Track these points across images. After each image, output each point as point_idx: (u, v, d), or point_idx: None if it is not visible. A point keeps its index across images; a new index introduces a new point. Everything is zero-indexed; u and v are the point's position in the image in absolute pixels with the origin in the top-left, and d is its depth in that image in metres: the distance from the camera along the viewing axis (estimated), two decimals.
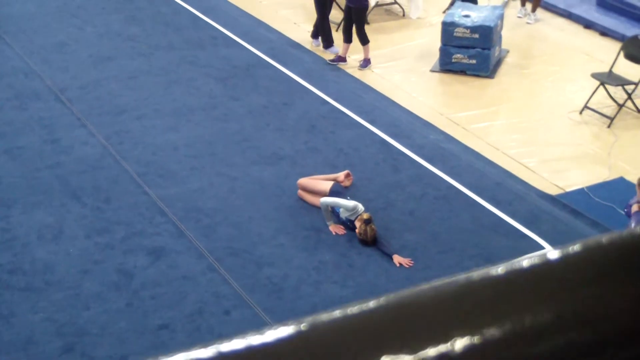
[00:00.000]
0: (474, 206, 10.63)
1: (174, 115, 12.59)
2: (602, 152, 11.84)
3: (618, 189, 10.98)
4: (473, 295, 0.81)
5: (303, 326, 0.77)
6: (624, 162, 11.59)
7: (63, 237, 9.94)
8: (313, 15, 15.98)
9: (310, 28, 15.67)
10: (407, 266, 9.54)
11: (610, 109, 12.78)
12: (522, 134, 12.28)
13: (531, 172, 11.38)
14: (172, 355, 0.74)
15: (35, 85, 13.42)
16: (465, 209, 10.58)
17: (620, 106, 12.64)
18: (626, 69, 13.06)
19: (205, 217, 10.31)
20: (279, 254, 9.73)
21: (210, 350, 0.74)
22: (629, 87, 12.73)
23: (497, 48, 14.31)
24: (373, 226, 9.81)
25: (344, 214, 10.06)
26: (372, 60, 14.37)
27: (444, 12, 15.80)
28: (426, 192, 10.90)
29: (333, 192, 10.31)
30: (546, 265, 0.86)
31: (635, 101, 12.72)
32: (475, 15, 14.11)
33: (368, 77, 14.06)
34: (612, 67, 12.97)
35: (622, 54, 13.10)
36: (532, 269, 0.85)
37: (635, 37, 13.35)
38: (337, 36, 15.28)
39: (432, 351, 0.76)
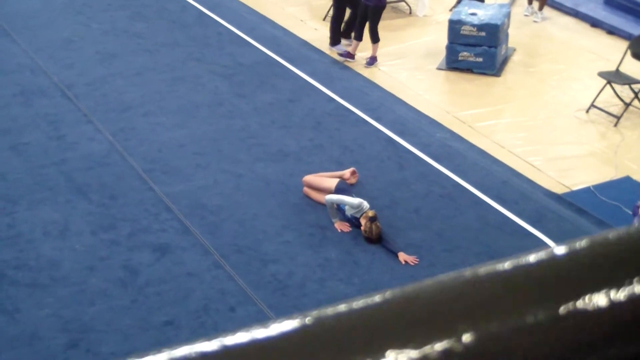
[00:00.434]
0: (479, 204, 10.62)
1: (179, 112, 12.60)
2: (608, 151, 11.83)
3: (624, 188, 10.97)
4: (479, 290, 0.80)
5: (308, 320, 0.76)
6: (631, 161, 11.57)
7: (68, 234, 9.95)
8: (319, 13, 16.00)
9: (316, 25, 15.67)
10: (412, 264, 9.54)
11: (616, 107, 12.76)
12: (528, 133, 12.27)
13: (537, 170, 11.37)
14: (176, 348, 0.73)
15: (41, 82, 13.43)
16: (470, 207, 10.57)
17: (627, 105, 12.62)
18: (633, 67, 13.04)
19: (210, 214, 10.32)
20: (284, 251, 9.73)
21: (214, 344, 0.73)
22: (636, 86, 12.71)
23: (503, 46, 14.30)
24: (378, 224, 9.80)
25: (349, 212, 10.06)
26: (378, 58, 14.37)
27: (451, 10, 15.77)
28: (431, 190, 10.89)
29: (338, 190, 10.31)
30: (552, 261, 0.86)
31: None
32: (482, 13, 14.10)
33: (374, 75, 14.05)
34: (618, 65, 12.95)
35: (629, 52, 13.08)
36: (539, 264, 0.85)
37: None
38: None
39: (437, 346, 0.75)
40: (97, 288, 9.11)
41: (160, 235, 9.95)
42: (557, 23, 16.08)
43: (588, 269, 0.85)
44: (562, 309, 0.79)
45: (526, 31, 15.71)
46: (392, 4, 16.43)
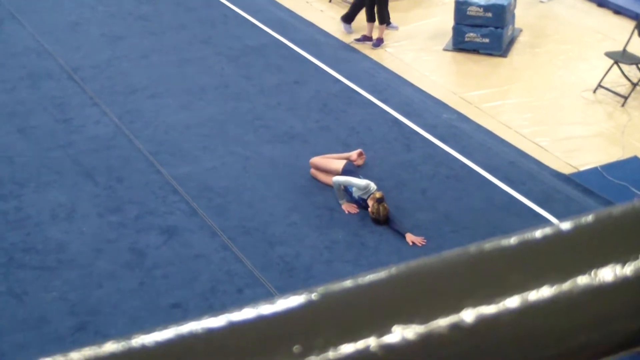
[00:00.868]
0: (486, 185, 10.62)
1: (185, 95, 12.60)
2: (615, 131, 11.81)
3: (632, 168, 10.96)
4: (484, 266, 0.80)
5: (314, 295, 0.76)
6: (638, 141, 11.55)
7: (76, 216, 9.97)
8: None
9: (322, 7, 15.65)
10: (420, 245, 9.55)
11: (624, 87, 12.73)
12: (535, 113, 12.25)
13: (544, 151, 11.35)
14: (182, 324, 0.74)
15: (48, 65, 13.44)
16: (477, 188, 10.57)
17: (634, 85, 12.59)
18: None
19: (217, 196, 10.33)
20: (292, 232, 9.74)
21: (221, 319, 0.74)
22: None
23: (510, 27, 14.26)
24: (385, 205, 9.81)
25: (356, 193, 10.06)
26: (384, 39, 14.35)
27: None
28: (438, 171, 10.89)
29: (345, 171, 10.31)
30: (557, 236, 0.86)
31: None
32: None
33: (381, 56, 14.03)
34: (626, 45, 12.91)
35: (636, 32, 13.04)
36: (544, 239, 0.85)
37: None
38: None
39: (443, 321, 0.75)
40: (104, 271, 9.14)
41: (168, 217, 9.97)
42: (564, 3, 16.02)
43: (594, 244, 0.85)
44: (568, 285, 0.79)
45: (533, 12, 15.67)
46: None
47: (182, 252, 9.42)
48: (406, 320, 0.75)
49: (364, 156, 10.97)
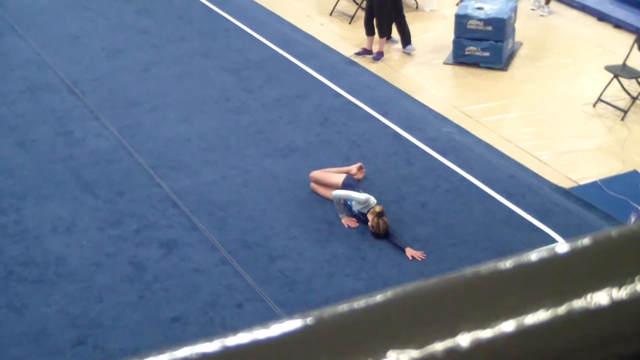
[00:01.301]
0: (486, 199, 10.62)
1: (186, 108, 12.60)
2: (615, 145, 11.81)
3: (631, 182, 10.95)
4: (480, 290, 0.80)
5: (309, 320, 0.76)
6: (638, 155, 11.55)
7: (76, 230, 9.97)
8: (325, 8, 15.98)
9: (323, 20, 15.67)
10: (419, 259, 9.54)
11: (624, 101, 12.74)
12: (535, 127, 12.25)
13: (544, 164, 11.35)
14: (177, 349, 0.73)
15: (48, 78, 13.45)
16: (477, 201, 10.57)
17: (634, 99, 12.59)
18: None
19: (218, 209, 10.33)
20: (292, 246, 9.74)
21: (215, 344, 0.74)
22: None
23: (510, 40, 14.27)
24: (385, 219, 9.81)
25: (356, 207, 10.06)
26: (385, 53, 14.36)
27: (458, 4, 15.75)
28: (438, 184, 10.89)
29: (345, 185, 10.31)
30: (555, 259, 0.86)
31: None
32: (489, 8, 14.07)
33: (381, 70, 14.04)
34: (626, 59, 12.92)
35: (636, 46, 13.05)
36: (541, 263, 0.85)
37: None
38: (350, 28, 15.28)
39: (439, 346, 0.75)
40: (104, 284, 9.13)
41: (168, 231, 9.96)
42: (564, 17, 16.04)
43: (590, 267, 0.85)
44: (564, 308, 0.79)
45: (533, 25, 15.68)
46: None
47: (182, 266, 9.41)
48: (401, 345, 0.74)
49: (364, 170, 10.97)
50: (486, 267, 0.82)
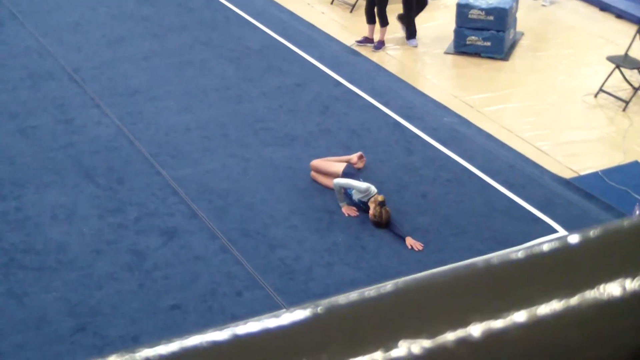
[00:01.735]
0: (487, 189, 10.61)
1: (186, 97, 12.59)
2: (616, 136, 11.80)
3: (633, 172, 10.95)
4: (492, 280, 0.80)
5: (320, 309, 0.76)
6: (639, 146, 11.55)
7: (76, 217, 9.97)
8: None
9: (323, 9, 15.65)
10: (417, 249, 9.53)
11: (625, 92, 12.73)
12: (536, 117, 12.24)
13: (545, 155, 11.35)
14: (186, 337, 0.73)
15: (49, 65, 13.44)
16: (478, 192, 10.56)
17: (636, 90, 12.58)
18: None
19: (218, 198, 10.32)
20: (292, 235, 9.74)
21: (226, 333, 0.73)
22: None
23: (511, 30, 14.25)
24: (388, 209, 9.80)
25: (356, 196, 10.05)
26: (386, 42, 14.34)
27: None
28: (439, 174, 10.88)
29: (346, 174, 10.30)
30: (567, 250, 0.85)
31: None
32: None
33: (382, 59, 14.02)
34: (627, 50, 12.90)
35: (637, 36, 13.03)
36: (553, 253, 0.84)
37: None
38: (351, 17, 15.27)
39: (450, 336, 0.74)
40: (104, 272, 9.13)
41: (168, 219, 9.96)
42: (566, 7, 16.02)
43: (603, 258, 0.84)
44: (576, 299, 0.79)
45: (535, 15, 15.66)
46: None
47: (182, 254, 9.41)
48: (413, 334, 0.74)
49: (365, 159, 10.97)
50: (498, 257, 0.81)
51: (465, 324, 0.75)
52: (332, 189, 10.23)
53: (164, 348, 0.72)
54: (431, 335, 0.74)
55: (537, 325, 0.77)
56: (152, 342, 0.74)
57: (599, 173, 10.94)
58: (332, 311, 0.76)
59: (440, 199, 10.41)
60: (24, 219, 9.94)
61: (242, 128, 11.80)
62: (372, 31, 14.38)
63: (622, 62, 12.79)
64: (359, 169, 10.72)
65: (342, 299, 0.77)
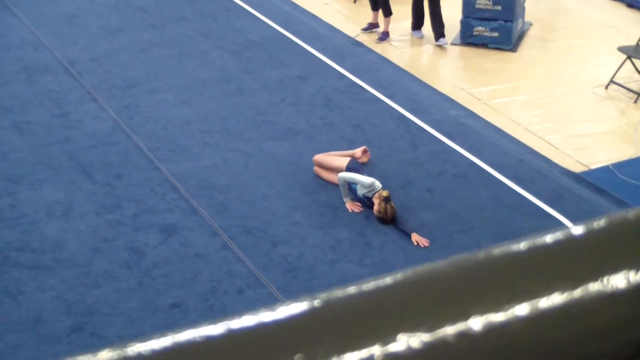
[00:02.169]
0: (494, 184, 10.61)
1: (186, 90, 12.59)
2: (628, 128, 11.79)
3: None
4: (493, 272, 0.80)
5: (317, 302, 0.76)
6: None
7: (72, 214, 9.97)
8: None
9: (326, 0, 15.66)
10: (422, 246, 9.53)
11: (637, 83, 12.71)
12: (545, 110, 12.23)
13: (554, 149, 11.34)
14: (180, 332, 0.73)
15: (44, 58, 13.44)
16: (485, 186, 10.56)
17: None
18: None
19: (218, 193, 10.33)
20: (294, 232, 9.74)
21: (220, 327, 0.73)
22: None
23: (519, 21, 14.24)
24: (393, 204, 9.80)
25: (360, 191, 10.05)
26: (390, 33, 14.33)
27: None
28: (445, 169, 10.88)
29: (350, 169, 10.30)
30: (570, 242, 0.85)
31: None
32: None
33: (386, 51, 14.02)
34: (639, 40, 12.88)
35: None
36: (555, 245, 0.84)
37: None
38: (355, 8, 15.26)
39: (450, 329, 0.75)
40: (102, 270, 9.14)
41: (167, 215, 9.96)
42: None
43: (606, 249, 0.84)
44: (579, 292, 0.79)
45: (543, 5, 15.65)
46: None
47: (181, 252, 9.41)
48: (412, 328, 0.74)
49: (369, 153, 10.96)
50: (499, 249, 0.81)
51: (465, 317, 0.76)
52: (335, 184, 10.23)
53: (156, 343, 0.72)
54: (430, 328, 0.74)
55: (539, 318, 0.77)
56: (147, 337, 0.75)
57: (610, 167, 10.93)
58: (329, 304, 0.76)
59: (446, 194, 10.41)
60: (19, 216, 9.94)
61: (243, 122, 11.80)
62: (376, 17, 14.38)
63: (633, 52, 12.77)
64: (363, 164, 10.72)
65: (340, 292, 0.77)
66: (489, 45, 13.97)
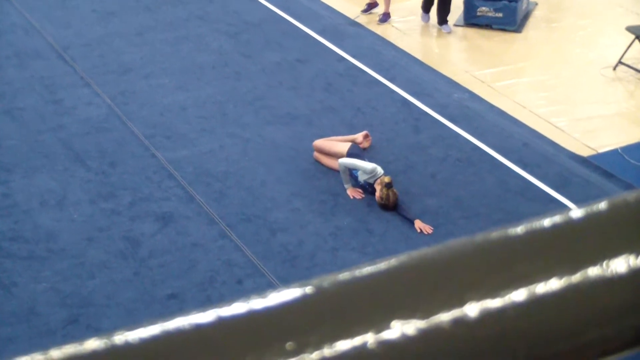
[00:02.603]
0: (499, 168, 10.61)
1: (182, 74, 12.59)
2: (637, 111, 11.78)
3: None
4: (489, 256, 0.80)
5: (309, 289, 0.76)
6: None
7: (66, 203, 9.98)
8: None
9: None
10: (426, 232, 9.54)
11: None
12: (551, 92, 12.22)
13: (561, 132, 11.33)
14: (169, 320, 0.73)
15: (36, 43, 13.42)
16: (490, 171, 10.56)
17: None
18: None
19: (216, 180, 10.33)
20: (294, 219, 9.74)
21: (210, 315, 0.73)
22: None
23: (524, 0, 14.22)
24: (395, 190, 9.80)
25: (362, 177, 10.05)
26: (392, 14, 14.31)
27: None
28: (449, 153, 10.88)
29: (350, 154, 10.30)
30: (569, 225, 0.85)
31: None
32: None
33: (387, 32, 14.00)
34: None
35: None
36: (554, 228, 0.84)
37: None
38: None
39: (445, 316, 0.75)
40: (97, 260, 9.15)
41: (163, 204, 9.97)
42: None
43: (606, 233, 0.84)
44: (578, 276, 0.79)
45: None
46: None
47: (178, 241, 9.42)
48: (406, 314, 0.74)
49: (370, 138, 10.96)
50: (496, 232, 0.82)
51: (461, 303, 0.76)
52: (336, 170, 10.23)
53: (144, 331, 0.73)
54: (425, 315, 0.74)
55: (536, 304, 0.77)
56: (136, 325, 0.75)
57: (619, 150, 10.93)
58: (321, 291, 0.77)
59: (450, 180, 10.41)
60: (12, 205, 9.95)
61: (241, 106, 11.79)
62: None
63: None
64: (364, 149, 10.72)
65: (332, 278, 0.77)
66: (493, 26, 13.95)
